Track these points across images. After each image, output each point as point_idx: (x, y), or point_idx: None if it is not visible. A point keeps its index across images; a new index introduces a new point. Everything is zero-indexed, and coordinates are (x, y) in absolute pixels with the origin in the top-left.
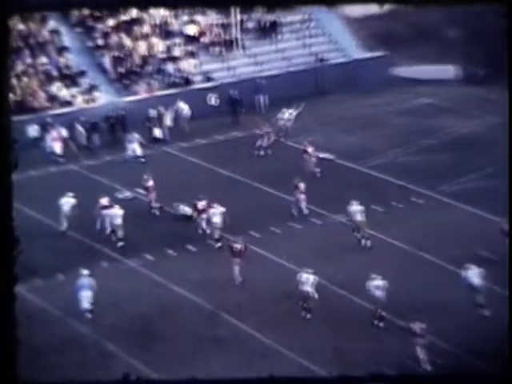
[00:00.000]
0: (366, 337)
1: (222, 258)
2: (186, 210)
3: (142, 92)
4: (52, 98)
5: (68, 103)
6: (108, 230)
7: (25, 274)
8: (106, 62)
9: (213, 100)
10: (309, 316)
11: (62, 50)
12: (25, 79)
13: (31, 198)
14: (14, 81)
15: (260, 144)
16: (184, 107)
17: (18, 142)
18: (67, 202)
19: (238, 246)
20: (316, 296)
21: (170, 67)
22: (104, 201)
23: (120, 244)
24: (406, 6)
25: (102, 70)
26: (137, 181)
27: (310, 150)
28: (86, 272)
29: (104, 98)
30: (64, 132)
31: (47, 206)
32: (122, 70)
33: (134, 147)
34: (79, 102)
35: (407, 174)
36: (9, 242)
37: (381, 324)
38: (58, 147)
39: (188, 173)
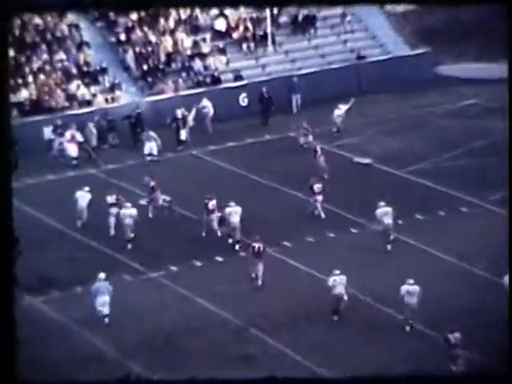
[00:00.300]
0: (401, 349)
1: (249, 268)
2: None
3: (166, 91)
4: (70, 97)
5: (88, 102)
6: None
7: (42, 286)
8: (129, 58)
9: (242, 100)
10: (335, 318)
11: (81, 45)
12: (41, 77)
13: (47, 203)
14: (29, 78)
15: (303, 141)
16: (207, 104)
17: (34, 144)
18: (82, 196)
19: (257, 245)
20: (346, 297)
21: (197, 64)
22: (111, 199)
23: (129, 246)
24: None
25: (125, 67)
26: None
27: (318, 149)
28: (102, 276)
29: (126, 97)
30: (78, 134)
31: (63, 212)
32: (145, 67)
33: (152, 146)
34: (99, 101)
35: (450, 179)
36: (8, 243)
37: (409, 326)
38: (73, 150)
39: (214, 176)
